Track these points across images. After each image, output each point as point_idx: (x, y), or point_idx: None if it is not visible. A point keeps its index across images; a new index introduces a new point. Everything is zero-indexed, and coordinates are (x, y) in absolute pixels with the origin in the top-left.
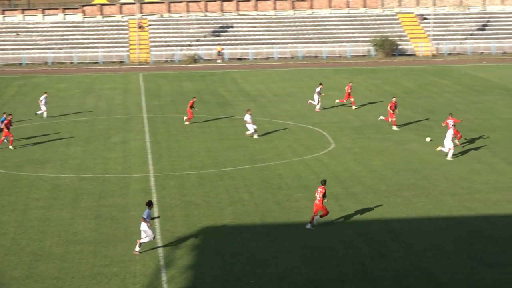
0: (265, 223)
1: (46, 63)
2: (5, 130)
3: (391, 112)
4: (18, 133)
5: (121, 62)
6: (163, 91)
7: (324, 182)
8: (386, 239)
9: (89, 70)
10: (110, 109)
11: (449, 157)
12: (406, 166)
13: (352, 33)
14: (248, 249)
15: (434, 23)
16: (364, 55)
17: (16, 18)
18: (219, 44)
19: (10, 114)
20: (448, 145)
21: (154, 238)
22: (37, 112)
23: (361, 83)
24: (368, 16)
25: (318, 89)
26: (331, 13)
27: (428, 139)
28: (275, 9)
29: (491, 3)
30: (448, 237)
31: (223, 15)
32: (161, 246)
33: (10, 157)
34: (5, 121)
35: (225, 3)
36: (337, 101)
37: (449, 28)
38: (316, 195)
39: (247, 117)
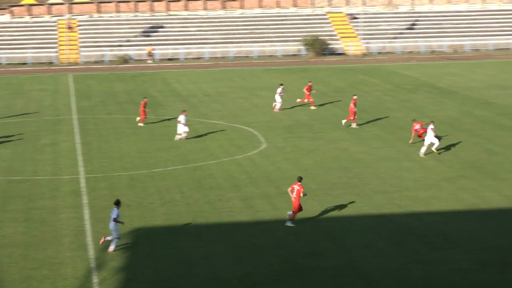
0: (197, 224)
1: None
2: None
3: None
4: None
5: (50, 63)
6: (93, 92)
7: (300, 179)
8: (318, 237)
9: (18, 71)
10: (39, 110)
11: (434, 147)
12: (337, 165)
13: (283, 32)
14: (180, 250)
15: (364, 22)
16: (294, 55)
17: None
18: (149, 45)
19: None
20: (432, 140)
21: (119, 238)
22: None
23: (292, 82)
24: (299, 15)
25: (279, 90)
26: (261, 13)
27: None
28: (205, 9)
29: (419, 2)
30: (379, 234)
31: (153, 15)
32: (92, 248)
33: None
34: None
35: (155, 3)
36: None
37: (379, 28)
38: (291, 193)
39: (182, 118)
